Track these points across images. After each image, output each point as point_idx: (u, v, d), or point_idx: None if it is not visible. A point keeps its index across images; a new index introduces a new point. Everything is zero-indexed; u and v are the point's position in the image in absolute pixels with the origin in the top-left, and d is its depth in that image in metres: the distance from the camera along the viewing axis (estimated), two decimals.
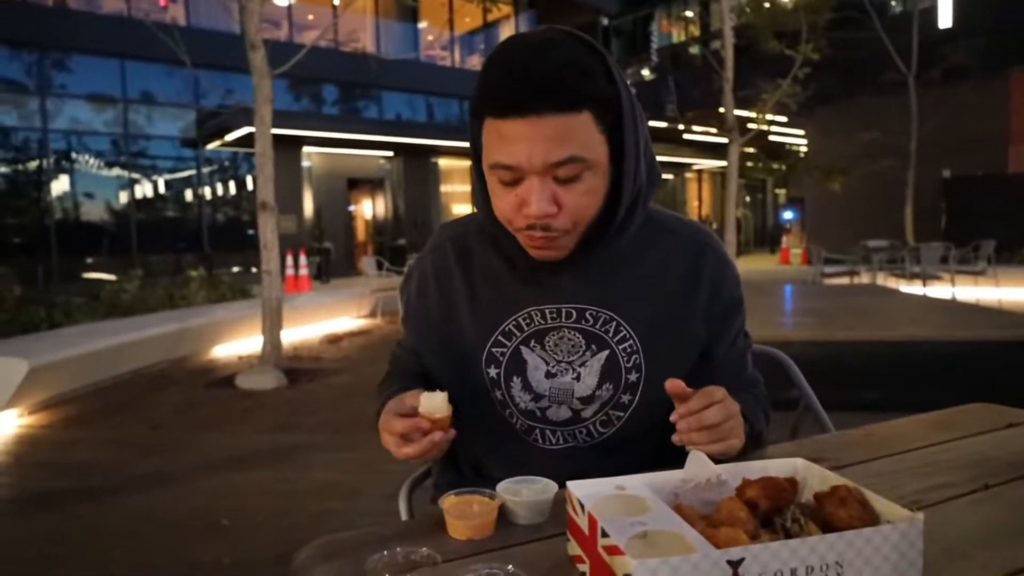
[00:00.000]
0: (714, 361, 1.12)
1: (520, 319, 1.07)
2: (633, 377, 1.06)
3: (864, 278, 10.76)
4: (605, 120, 0.94)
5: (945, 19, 17.80)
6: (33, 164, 14.74)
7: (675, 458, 0.90)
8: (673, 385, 0.90)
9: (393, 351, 1.26)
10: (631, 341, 1.06)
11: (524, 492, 0.87)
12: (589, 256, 1.03)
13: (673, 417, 0.89)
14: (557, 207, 0.94)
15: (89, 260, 15.24)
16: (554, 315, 1.06)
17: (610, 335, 1.06)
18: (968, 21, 16.78)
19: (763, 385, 1.20)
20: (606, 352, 1.06)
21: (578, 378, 1.06)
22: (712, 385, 0.92)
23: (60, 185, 15.07)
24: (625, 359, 1.06)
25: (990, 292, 9.39)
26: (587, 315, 1.06)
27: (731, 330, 1.14)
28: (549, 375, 1.07)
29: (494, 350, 1.07)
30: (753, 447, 1.09)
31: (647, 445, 1.08)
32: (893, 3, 19.10)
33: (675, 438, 0.89)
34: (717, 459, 0.85)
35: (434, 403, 0.93)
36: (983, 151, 16.74)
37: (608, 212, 1.00)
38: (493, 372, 1.08)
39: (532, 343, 1.07)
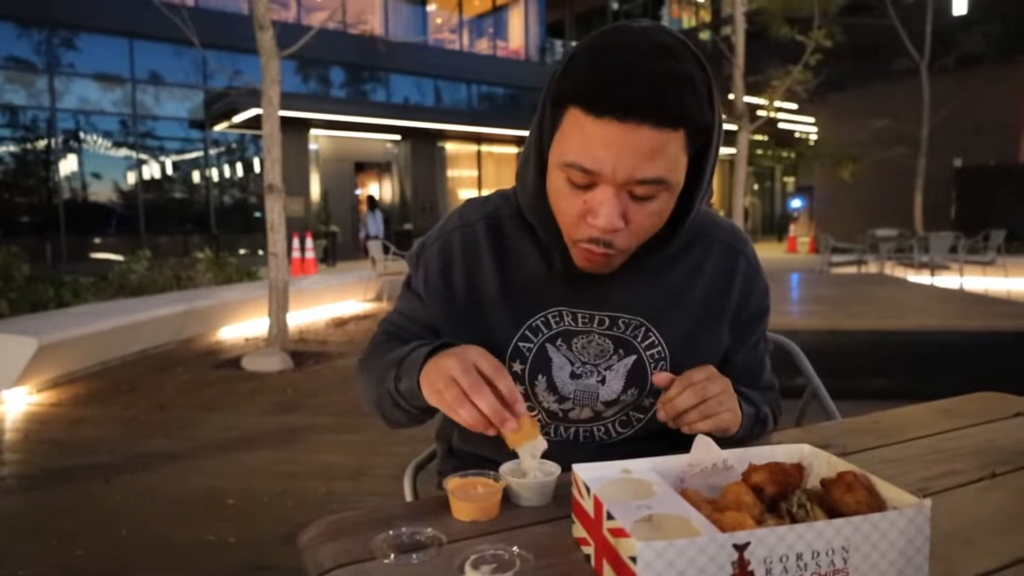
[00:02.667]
0: (731, 364, 1.11)
1: (549, 316, 1.04)
2: None
3: (872, 267, 10.72)
4: (694, 143, 0.89)
5: (960, 6, 17.58)
6: (41, 144, 14.78)
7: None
8: (659, 379, 0.95)
9: (390, 319, 1.16)
10: (659, 347, 1.05)
11: (528, 474, 0.87)
12: (629, 264, 1.01)
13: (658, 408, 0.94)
14: (624, 222, 0.89)
15: (97, 240, 15.32)
16: (586, 320, 1.04)
17: (638, 340, 1.05)
18: (983, 8, 16.57)
19: (778, 391, 1.19)
20: (633, 357, 1.05)
21: (603, 381, 1.05)
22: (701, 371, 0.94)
23: (68, 165, 15.11)
24: (652, 364, 1.05)
25: (999, 282, 9.34)
26: (619, 323, 1.04)
27: (752, 337, 1.13)
28: (574, 376, 1.05)
29: (521, 344, 1.05)
30: (759, 432, 1.09)
31: (659, 444, 1.06)
32: None
33: (659, 416, 0.94)
34: (723, 442, 0.85)
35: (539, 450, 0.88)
36: (996, 140, 16.59)
37: (665, 228, 0.97)
38: (518, 367, 1.05)
39: (559, 342, 1.05)
